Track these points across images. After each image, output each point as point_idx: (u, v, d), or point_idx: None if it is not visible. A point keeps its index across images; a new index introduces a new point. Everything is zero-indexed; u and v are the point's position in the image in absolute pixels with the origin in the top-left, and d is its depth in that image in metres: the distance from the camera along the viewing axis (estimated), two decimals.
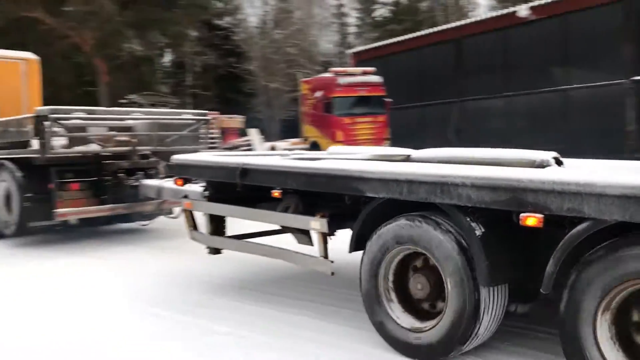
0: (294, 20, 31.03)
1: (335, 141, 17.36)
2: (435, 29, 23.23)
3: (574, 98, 16.77)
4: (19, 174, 7.02)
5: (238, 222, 4.85)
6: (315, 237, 4.24)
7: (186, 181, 5.33)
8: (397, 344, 3.50)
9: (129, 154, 7.15)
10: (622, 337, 2.67)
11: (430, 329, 3.36)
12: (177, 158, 5.18)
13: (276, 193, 4.38)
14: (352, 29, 34.99)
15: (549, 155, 3.51)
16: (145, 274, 5.57)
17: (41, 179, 6.87)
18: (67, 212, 6.81)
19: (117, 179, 7.06)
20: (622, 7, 14.81)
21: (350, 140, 17.37)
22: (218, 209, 4.91)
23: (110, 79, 25.35)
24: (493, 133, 18.32)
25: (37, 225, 7.09)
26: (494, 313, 3.23)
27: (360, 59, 26.08)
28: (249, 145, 19.28)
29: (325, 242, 4.05)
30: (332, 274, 4.03)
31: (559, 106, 17.09)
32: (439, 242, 3.24)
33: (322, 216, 4.02)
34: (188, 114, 8.05)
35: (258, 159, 4.75)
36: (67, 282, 5.37)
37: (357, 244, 3.86)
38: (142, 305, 4.56)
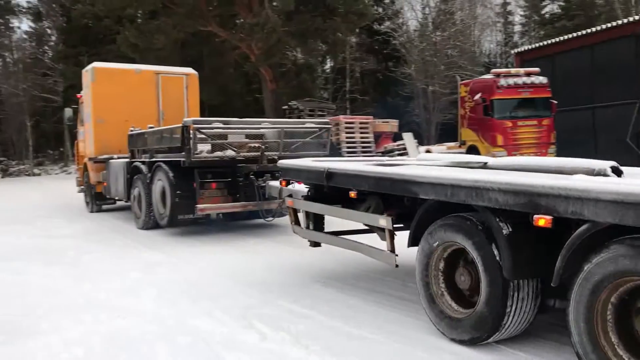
0: (455, 22, 30.74)
1: (495, 145, 16.93)
2: (612, 24, 21.36)
3: None
4: (171, 174, 8.55)
5: (343, 222, 5.54)
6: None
7: (289, 182, 6.15)
8: (442, 325, 4.06)
9: (258, 158, 8.26)
10: (620, 326, 2.99)
11: (468, 316, 3.80)
12: (281, 163, 6.05)
13: (352, 194, 4.98)
14: (517, 28, 33.44)
15: (607, 165, 3.64)
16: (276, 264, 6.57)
17: (187, 179, 8.30)
18: (206, 208, 8.14)
19: (248, 180, 8.22)
20: None
21: (511, 145, 16.85)
22: (311, 206, 5.66)
23: (274, 87, 27.59)
24: None
25: (184, 218, 8.55)
26: (523, 308, 3.55)
27: (524, 59, 24.97)
28: (403, 149, 19.58)
29: (392, 238, 4.57)
30: (397, 266, 4.54)
31: None
32: (475, 239, 3.68)
33: (389, 215, 4.54)
34: (311, 123, 8.94)
35: (341, 164, 5.39)
36: (209, 264, 6.64)
37: (413, 240, 4.35)
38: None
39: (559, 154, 17.51)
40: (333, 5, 23.91)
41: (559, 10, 29.91)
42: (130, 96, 11.04)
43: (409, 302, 4.96)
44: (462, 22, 31.16)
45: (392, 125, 21.39)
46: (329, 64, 34.69)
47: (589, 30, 22.25)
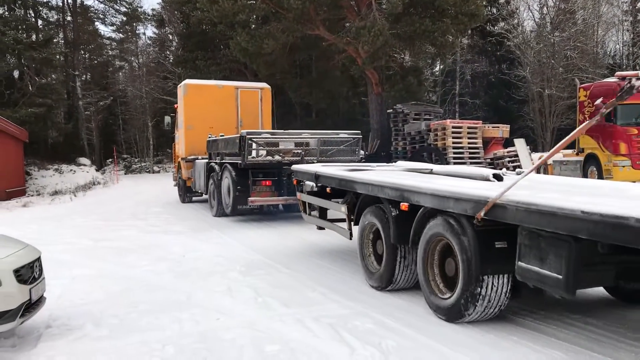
0: (576, 21, 31.17)
1: (618, 154, 17.13)
2: None
3: None
4: (234, 173, 11.72)
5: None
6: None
7: (300, 181, 8.91)
8: (366, 275, 6.62)
9: (299, 162, 11.11)
10: (440, 265, 5.39)
11: (378, 271, 6.38)
12: (293, 167, 8.89)
13: (328, 189, 7.71)
14: None
15: (490, 172, 5.96)
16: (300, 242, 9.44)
17: (245, 177, 11.41)
18: (255, 200, 11.24)
19: (290, 179, 11.10)
20: None
21: (636, 154, 16.86)
22: (309, 199, 8.41)
23: (380, 90, 29.82)
24: None
25: (242, 208, 11.68)
26: (407, 266, 6.00)
27: None
28: (514, 156, 20.17)
29: (349, 219, 7.19)
30: (350, 238, 7.18)
31: None
32: (382, 220, 6.24)
33: (347, 204, 7.17)
34: (344, 134, 11.62)
35: (326, 169, 8.08)
36: (260, 240, 9.79)
37: (356, 221, 6.99)
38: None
39: None
40: (442, 6, 25.33)
41: None
42: (215, 107, 14.53)
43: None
44: (584, 21, 31.50)
45: (503, 130, 21.72)
46: (438, 67, 36.54)
47: None
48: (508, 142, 21.23)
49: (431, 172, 7.44)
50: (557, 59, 31.26)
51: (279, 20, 27.20)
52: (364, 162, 13.51)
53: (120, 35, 43.74)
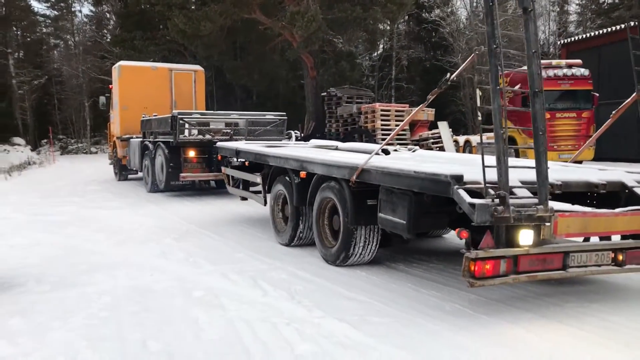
0: (506, 10, 33.10)
1: (532, 137, 19.58)
2: None
3: None
4: (166, 151, 12.68)
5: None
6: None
7: (224, 157, 10.01)
8: (276, 234, 7.85)
9: (228, 141, 12.18)
10: (329, 224, 6.61)
11: (285, 231, 7.59)
12: (218, 144, 9.96)
13: (246, 163, 8.84)
14: (573, 17, 35.22)
15: (379, 148, 7.10)
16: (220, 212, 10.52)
17: (176, 155, 12.39)
18: (187, 176, 12.25)
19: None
20: None
21: (549, 137, 19.23)
22: (231, 172, 9.53)
23: (315, 74, 30.87)
24: None
25: (175, 184, 12.68)
26: (306, 226, 7.20)
27: (571, 50, 27.08)
28: (438, 138, 21.75)
29: (264, 188, 8.36)
30: (265, 205, 8.37)
31: None
32: (287, 188, 7.44)
33: (262, 174, 8.32)
34: (271, 115, 12.78)
35: (248, 145, 9.21)
36: (193, 213, 10.70)
37: (269, 189, 8.15)
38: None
39: (599, 146, 19.31)
40: None
41: (616, 1, 31.55)
42: (149, 88, 15.39)
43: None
44: (514, 11, 33.49)
45: (428, 113, 23.25)
46: (376, 52, 38.04)
47: (634, 23, 23.97)
48: (433, 125, 22.81)
49: (336, 148, 8.72)
50: (486, 47, 33.12)
51: (216, 3, 27.74)
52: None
53: (55, 12, 43.23)
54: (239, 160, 9.31)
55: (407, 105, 24.88)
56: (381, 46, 37.47)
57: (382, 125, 21.81)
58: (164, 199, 12.89)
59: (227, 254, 7.38)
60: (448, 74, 5.28)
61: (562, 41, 29.08)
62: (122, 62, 16.28)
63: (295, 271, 6.35)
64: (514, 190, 4.48)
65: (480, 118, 4.82)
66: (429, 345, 4.13)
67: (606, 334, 4.29)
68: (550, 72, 19.09)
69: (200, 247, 7.84)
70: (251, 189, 9.29)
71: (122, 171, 17.17)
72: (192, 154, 12.37)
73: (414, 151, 8.57)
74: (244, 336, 4.35)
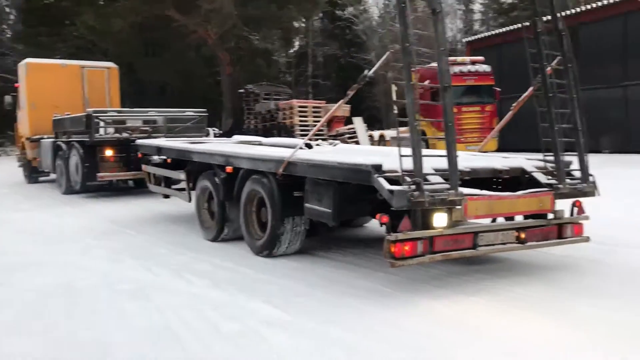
0: (416, 9, 34.38)
1: (441, 130, 20.48)
2: (548, 18, 24.86)
3: None
4: (81, 150, 12.44)
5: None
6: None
7: (145, 154, 9.99)
8: (202, 230, 7.94)
9: (147, 139, 12.11)
10: (257, 216, 6.81)
11: (211, 226, 7.72)
12: (137, 141, 9.94)
13: (168, 160, 8.89)
14: (478, 16, 37.14)
15: (302, 142, 7.32)
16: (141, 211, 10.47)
17: (92, 154, 12.19)
18: (104, 176, 12.08)
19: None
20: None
21: (456, 129, 20.47)
22: (152, 170, 9.55)
23: (231, 71, 30.79)
24: (609, 123, 20.18)
25: (92, 184, 12.46)
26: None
27: (474, 48, 28.69)
28: (353, 133, 22.71)
29: (188, 185, 8.45)
30: (190, 201, 8.44)
31: None
32: (214, 183, 7.56)
33: (186, 171, 8.42)
34: (190, 112, 12.84)
35: (168, 142, 9.27)
36: (112, 212, 10.63)
37: (193, 186, 8.25)
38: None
39: (502, 138, 20.62)
40: None
41: (516, 1, 33.69)
42: (59, 86, 14.97)
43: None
44: (424, 9, 34.83)
45: (344, 109, 23.87)
46: (292, 49, 38.46)
47: (527, 23, 25.83)
48: (349, 121, 23.64)
49: (260, 143, 8.97)
50: (396, 46, 34.27)
51: None
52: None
53: None
54: (160, 157, 9.35)
55: (324, 101, 25.50)
56: (297, 43, 37.93)
57: (300, 121, 22.35)
58: (80, 200, 12.64)
59: (149, 249, 7.47)
60: (366, 71, 5.66)
61: (466, 39, 30.65)
62: (28, 60, 15.72)
63: (219, 262, 6.56)
64: (428, 177, 4.91)
65: (396, 111, 5.20)
66: (356, 321, 4.49)
67: (514, 304, 4.80)
68: (456, 69, 20.23)
69: (122, 244, 7.88)
70: (174, 186, 9.38)
71: (33, 173, 16.52)
72: (109, 152, 12.20)
73: (335, 145, 8.95)
74: (172, 322, 4.51)
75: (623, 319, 4.40)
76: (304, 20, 34.32)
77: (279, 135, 20.88)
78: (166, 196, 9.79)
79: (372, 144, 22.74)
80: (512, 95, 22.33)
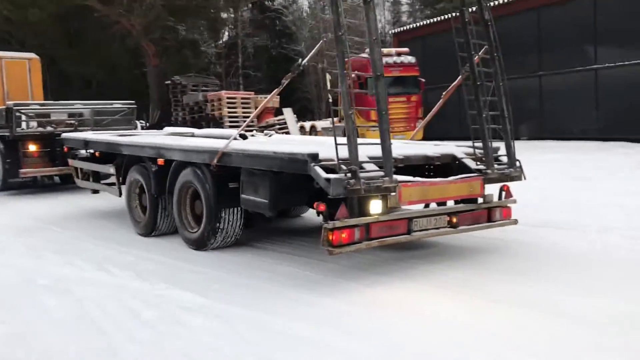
0: (345, 0, 34.60)
1: (369, 120, 20.66)
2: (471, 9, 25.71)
3: (605, 77, 18.89)
4: (1, 146, 11.84)
5: None
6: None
7: (71, 148, 9.62)
8: (134, 225, 7.72)
9: (72, 132, 11.66)
10: (191, 209, 6.68)
11: (143, 220, 7.53)
12: (63, 135, 9.56)
13: (97, 154, 8.60)
14: (405, 8, 37.88)
15: (237, 133, 7.22)
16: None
17: (14, 149, 11.63)
18: (28, 172, 11.56)
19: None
20: None
21: (375, 120, 20.86)
22: (80, 164, 9.22)
23: (158, 62, 30.06)
24: (526, 112, 20.85)
25: (14, 181, 11.89)
26: (169, 215, 7.21)
27: (401, 39, 29.20)
28: (284, 123, 22.68)
29: (118, 179, 8.20)
30: (120, 195, 8.24)
31: (591, 85, 19.28)
32: (145, 177, 7.37)
33: (115, 165, 8.16)
34: (118, 104, 12.46)
35: (96, 135, 8.96)
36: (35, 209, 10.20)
37: (124, 179, 8.01)
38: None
39: (428, 127, 21.25)
40: None
41: None
42: None
43: None
44: (352, 0, 35.10)
45: (274, 100, 23.69)
46: (222, 40, 37.90)
47: (449, 16, 26.66)
48: (279, 112, 23.68)
49: (192, 135, 8.82)
50: (328, 36, 34.39)
51: None
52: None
53: None
54: (88, 151, 9.03)
55: (253, 92, 25.43)
56: (226, 34, 37.45)
57: (229, 112, 22.30)
58: (1, 199, 12.04)
59: (73, 245, 7.32)
60: (300, 60, 5.64)
61: (393, 31, 31.21)
62: None
63: (143, 254, 6.57)
64: (363, 165, 4.98)
65: (330, 100, 5.24)
66: (279, 305, 4.59)
67: (448, 287, 4.95)
68: (382, 60, 20.58)
69: (44, 240, 7.66)
70: (103, 181, 9.09)
71: None
72: (32, 147, 11.67)
73: (270, 136, 8.91)
74: (92, 312, 4.56)
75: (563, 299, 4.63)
76: (232, 10, 33.96)
77: (208, 127, 20.62)
78: (95, 191, 9.51)
79: (303, 135, 22.86)
80: (436, 85, 23.16)
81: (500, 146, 6.15)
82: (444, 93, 6.92)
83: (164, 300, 4.76)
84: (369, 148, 5.15)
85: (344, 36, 4.92)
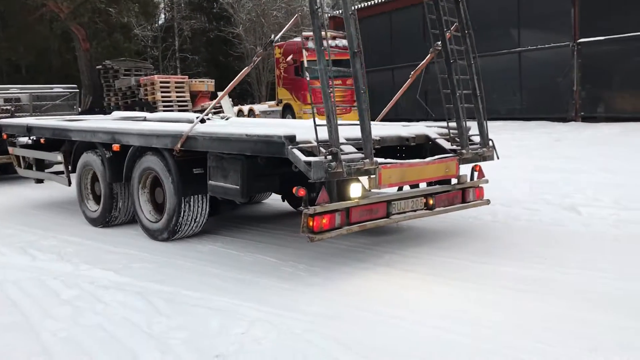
0: None
1: (306, 103, 20.44)
2: None
3: (527, 60, 19.29)
4: None
5: None
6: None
7: (10, 136, 8.86)
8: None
9: (10, 118, 10.80)
10: (151, 197, 6.23)
11: (97, 210, 7.00)
12: (1, 121, 8.78)
13: (42, 140, 7.92)
14: None
15: (194, 116, 6.79)
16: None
17: None
18: None
19: None
20: None
21: (320, 103, 20.66)
22: (22, 152, 8.50)
23: (88, 46, 28.66)
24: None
25: None
26: (124, 203, 6.74)
27: (337, 23, 28.97)
28: (219, 108, 22.30)
29: (66, 167, 7.60)
30: (70, 185, 7.65)
31: (515, 68, 19.67)
32: (97, 162, 6.82)
33: (63, 152, 7.53)
34: (59, 88, 11.65)
35: (40, 121, 8.27)
36: None
37: (73, 168, 7.43)
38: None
39: (375, 109, 21.41)
40: None
41: None
42: None
43: None
44: None
45: (208, 84, 23.79)
46: (158, 23, 36.51)
47: None
48: (214, 95, 23.18)
49: (145, 119, 8.27)
50: (267, 19, 33.76)
51: None
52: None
53: None
54: (31, 138, 8.32)
55: (187, 77, 24.97)
56: (162, 16, 36.11)
57: (162, 96, 21.72)
58: None
59: None
60: (272, 35, 5.27)
61: (329, 14, 30.88)
62: None
63: (67, 238, 6.48)
64: (341, 147, 4.69)
65: (308, 78, 4.89)
66: (206, 283, 4.54)
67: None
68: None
69: None
70: (48, 170, 8.43)
71: None
72: None
73: (227, 119, 8.46)
74: (11, 294, 4.56)
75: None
76: None
77: (142, 111, 19.83)
78: (39, 181, 8.85)
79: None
80: (373, 69, 23.43)
81: (472, 125, 5.99)
82: (412, 73, 6.69)
83: (84, 280, 4.82)
84: (343, 129, 4.86)
85: (320, 9, 4.57)
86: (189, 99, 22.41)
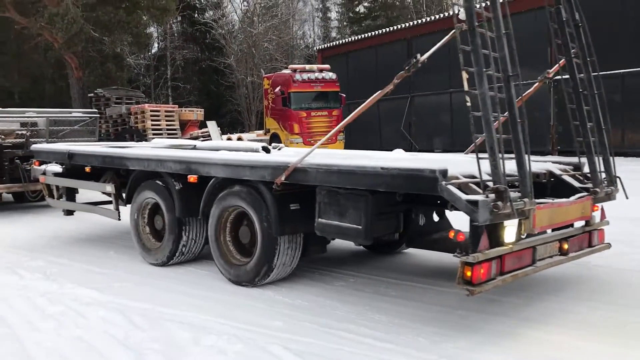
0: (275, 15, 33.50)
1: (293, 133, 20.00)
2: (387, 29, 25.94)
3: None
4: None
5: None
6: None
7: (42, 163, 7.82)
8: (144, 253, 6.25)
9: (24, 144, 9.73)
10: (234, 237, 5.34)
11: (157, 248, 6.07)
12: (34, 146, 7.75)
13: (87, 169, 6.93)
14: (334, 24, 37.38)
15: (259, 146, 5.97)
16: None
17: None
18: None
19: (13, 164, 9.64)
20: (536, 15, 17.14)
21: (306, 133, 20.00)
22: (59, 181, 7.46)
23: (81, 74, 28.05)
24: (439, 126, 21.94)
25: None
26: (193, 241, 5.84)
27: (324, 55, 28.75)
28: (208, 136, 21.53)
29: (116, 199, 6.59)
30: (119, 219, 6.68)
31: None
32: (163, 195, 5.91)
33: (113, 183, 6.55)
34: (79, 112, 10.62)
35: (82, 147, 7.28)
36: None
37: (128, 199, 6.48)
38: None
39: (350, 141, 20.99)
40: None
41: (366, 11, 34.29)
42: None
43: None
44: (282, 15, 34.07)
45: (197, 113, 23.58)
46: (150, 52, 35.63)
47: (373, 33, 26.72)
48: (203, 124, 22.90)
49: (194, 147, 7.33)
50: (258, 50, 33.24)
51: None
52: None
53: None
54: (72, 165, 7.23)
55: (177, 105, 24.79)
56: (156, 45, 35.21)
57: (152, 125, 21.28)
58: None
59: None
60: (418, 55, 4.46)
61: (317, 47, 30.68)
62: None
63: (53, 259, 6.54)
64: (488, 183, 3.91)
65: (469, 104, 4.13)
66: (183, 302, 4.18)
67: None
68: (305, 76, 20.47)
69: None
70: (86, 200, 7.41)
71: None
72: None
73: (279, 149, 7.60)
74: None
75: None
76: (157, 26, 32.09)
77: (131, 139, 18.77)
78: (69, 212, 7.77)
79: None
80: (356, 100, 23.09)
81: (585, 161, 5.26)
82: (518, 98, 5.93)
83: (69, 298, 4.95)
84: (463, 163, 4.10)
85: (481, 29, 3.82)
86: (178, 127, 22.06)
